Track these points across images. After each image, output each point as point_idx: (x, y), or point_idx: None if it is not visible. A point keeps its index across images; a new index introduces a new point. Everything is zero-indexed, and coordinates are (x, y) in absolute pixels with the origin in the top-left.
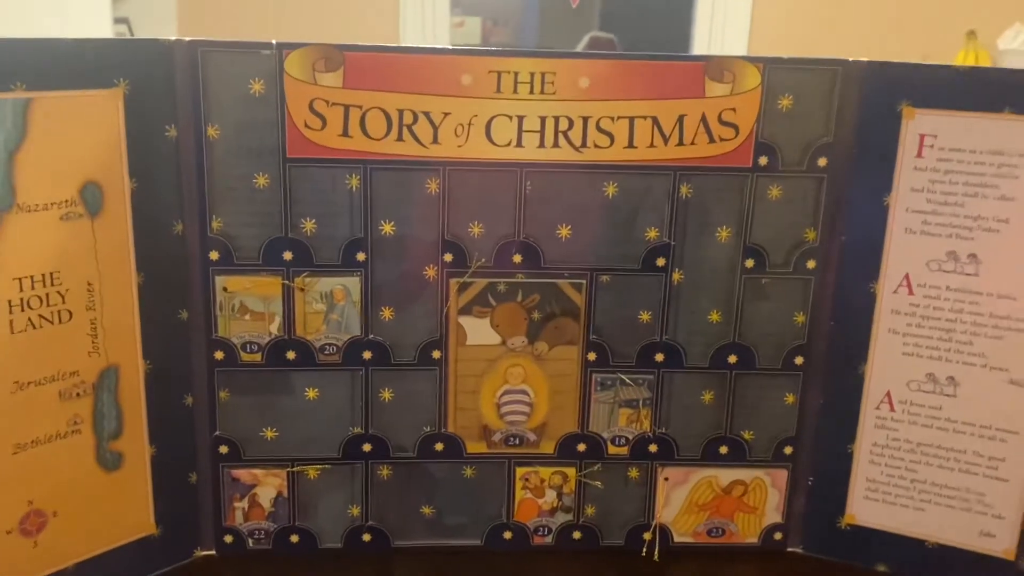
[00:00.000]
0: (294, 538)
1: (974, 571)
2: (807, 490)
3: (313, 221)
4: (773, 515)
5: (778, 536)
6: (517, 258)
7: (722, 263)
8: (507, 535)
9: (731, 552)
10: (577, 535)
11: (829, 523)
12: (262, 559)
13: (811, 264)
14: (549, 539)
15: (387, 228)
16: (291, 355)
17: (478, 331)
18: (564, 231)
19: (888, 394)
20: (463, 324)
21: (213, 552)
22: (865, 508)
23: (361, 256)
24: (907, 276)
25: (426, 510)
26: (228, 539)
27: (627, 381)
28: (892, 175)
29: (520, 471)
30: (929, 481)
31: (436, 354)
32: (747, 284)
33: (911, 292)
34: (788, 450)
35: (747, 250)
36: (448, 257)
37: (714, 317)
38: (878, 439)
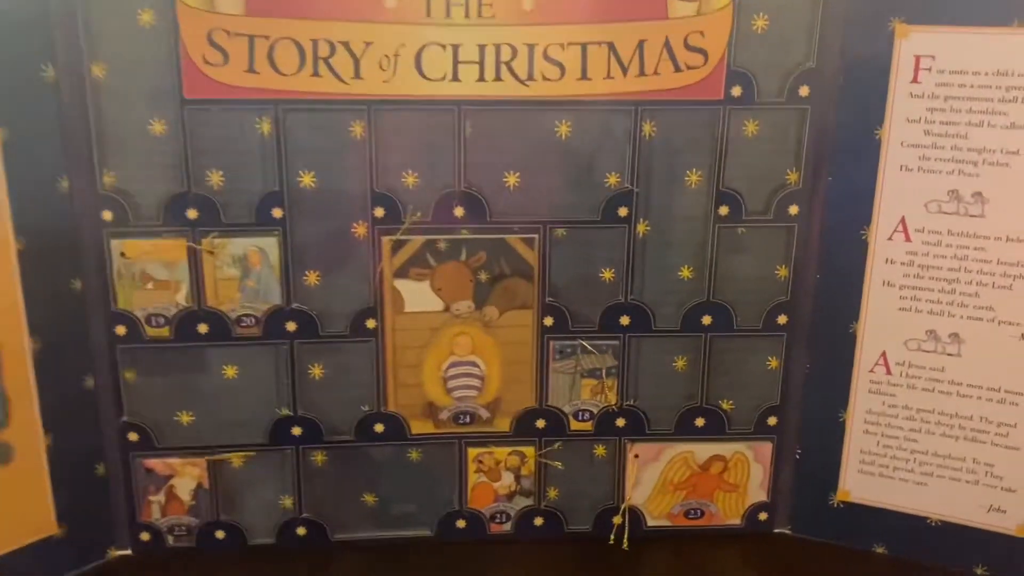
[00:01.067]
0: (220, 534)
1: (984, 551)
2: (794, 464)
3: (220, 173)
4: (757, 493)
5: (763, 516)
6: (459, 211)
7: (693, 211)
8: (460, 524)
9: (711, 535)
10: (539, 521)
11: (820, 501)
12: (184, 558)
13: (793, 210)
14: (508, 527)
15: (306, 180)
16: (203, 328)
17: (417, 296)
18: (512, 179)
19: (883, 355)
20: (400, 288)
21: (129, 551)
22: (860, 483)
23: (278, 213)
24: (903, 220)
25: (368, 499)
26: (144, 537)
27: (589, 348)
28: (884, 104)
29: (472, 452)
30: (931, 452)
31: (371, 323)
32: (721, 235)
33: (908, 238)
34: (772, 420)
35: (721, 196)
36: (379, 212)
37: (685, 273)
38: (873, 406)
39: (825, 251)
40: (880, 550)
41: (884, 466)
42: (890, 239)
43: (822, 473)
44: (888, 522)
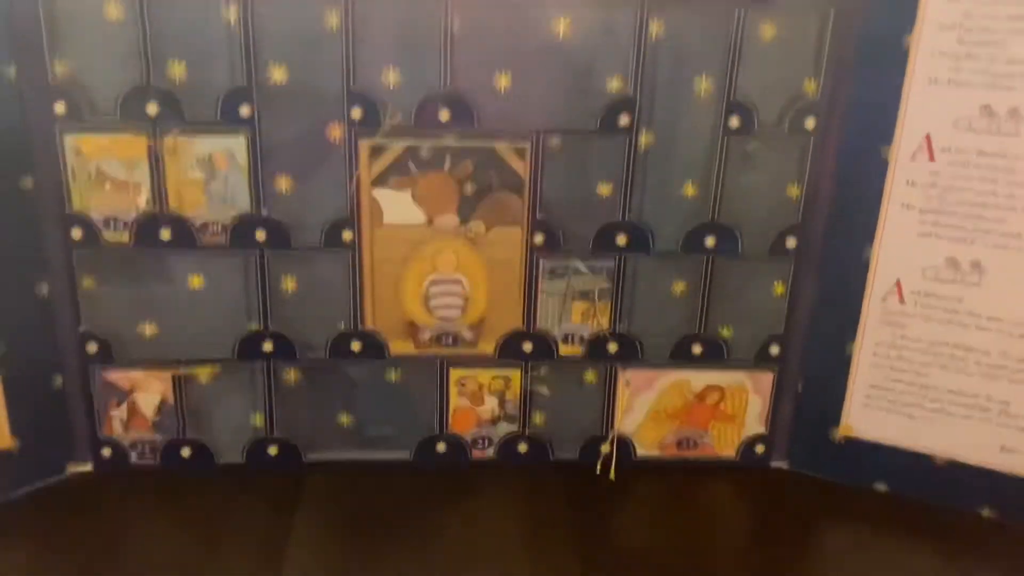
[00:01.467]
0: (186, 452)
1: (992, 492)
2: (796, 397)
3: (183, 64)
4: (754, 425)
5: (760, 449)
6: (444, 115)
7: (701, 122)
8: (440, 447)
9: (704, 467)
10: (523, 448)
11: (820, 435)
12: (148, 476)
13: (810, 123)
14: (490, 452)
15: (277, 75)
16: (166, 234)
17: (398, 207)
18: (503, 81)
19: (898, 283)
20: (378, 199)
21: (89, 468)
22: (864, 418)
23: (246, 110)
24: (928, 138)
25: (343, 419)
26: (106, 452)
27: (582, 269)
28: (915, 7)
29: (455, 374)
30: (942, 387)
31: (347, 235)
32: (730, 149)
33: (932, 158)
34: (774, 350)
35: (732, 106)
36: (356, 113)
37: (689, 190)
38: (883, 337)
39: (841, 170)
40: (881, 488)
41: (891, 401)
42: (912, 159)
43: (825, 407)
44: (892, 460)
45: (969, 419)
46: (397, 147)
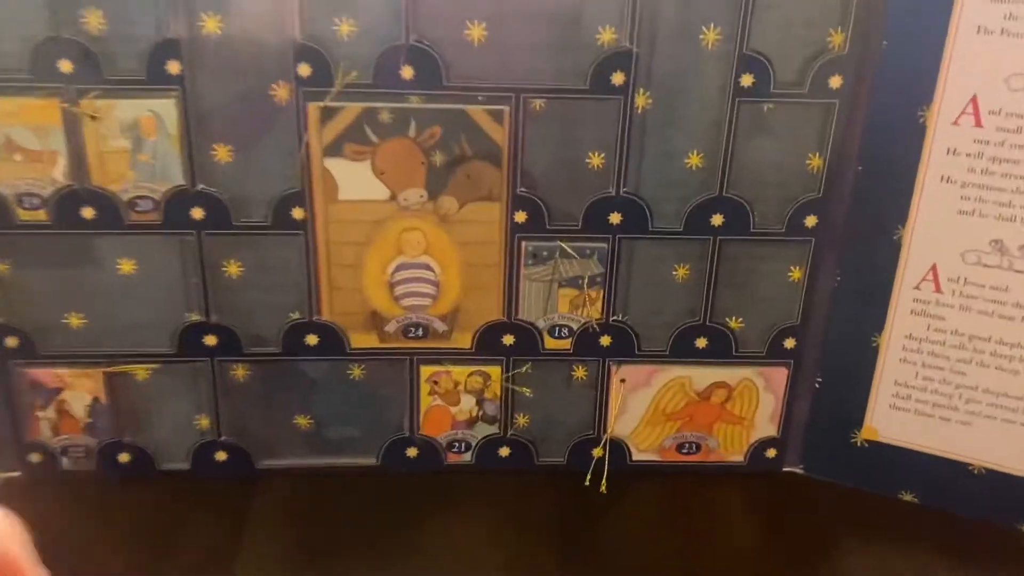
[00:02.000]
0: (124, 457)
1: None
2: (813, 395)
3: (99, 13)
4: (766, 427)
5: (771, 453)
6: (407, 71)
7: (707, 80)
8: (411, 452)
9: (708, 473)
10: (505, 452)
11: (841, 438)
12: (83, 482)
13: (835, 82)
14: (467, 457)
15: (211, 24)
16: (88, 213)
17: (355, 180)
18: (476, 31)
19: (934, 269)
20: (332, 170)
21: (17, 473)
22: (890, 420)
23: (175, 67)
24: (974, 99)
25: (301, 421)
26: (35, 458)
27: (570, 252)
28: None
29: (426, 371)
30: (982, 387)
31: (298, 213)
32: (742, 112)
33: (979, 122)
34: (789, 343)
35: (744, 61)
36: (304, 70)
37: (694, 161)
38: (915, 330)
39: (871, 136)
40: (908, 498)
41: (922, 402)
42: (955, 123)
43: (845, 407)
44: (921, 466)
45: (1012, 424)
46: (352, 110)
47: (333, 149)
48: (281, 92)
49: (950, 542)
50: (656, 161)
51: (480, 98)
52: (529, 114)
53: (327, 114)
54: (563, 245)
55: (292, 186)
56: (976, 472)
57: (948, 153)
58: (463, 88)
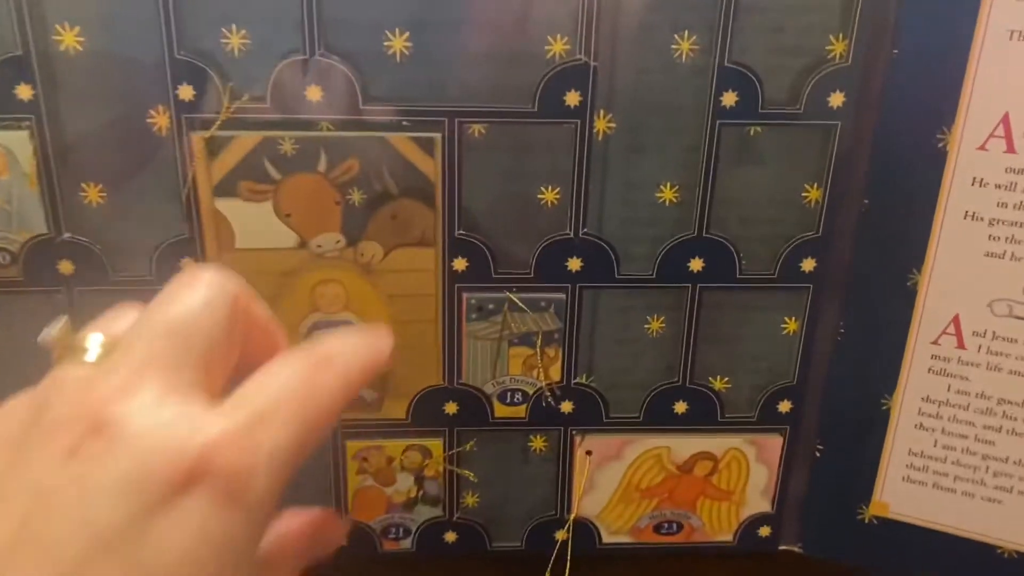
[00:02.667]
0: None
1: None
2: (813, 465)
3: None
4: (758, 502)
5: (765, 532)
6: (313, 92)
7: (681, 100)
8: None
9: (691, 556)
10: (451, 537)
11: (845, 514)
12: None
13: (836, 99)
14: (407, 543)
15: (69, 38)
16: None
17: (255, 225)
18: (398, 42)
19: (956, 320)
20: (225, 213)
21: None
22: (904, 494)
23: (26, 92)
24: (1006, 119)
25: None
26: None
27: (520, 304)
28: None
29: (353, 446)
30: (1013, 459)
31: (188, 264)
32: (724, 136)
33: (1011, 147)
34: (784, 406)
35: (725, 75)
36: (185, 92)
37: (667, 195)
38: (933, 391)
39: (879, 164)
40: None
41: (941, 474)
42: (982, 148)
43: (851, 478)
44: (940, 548)
45: None
46: (246, 140)
47: (225, 188)
48: (160, 120)
49: None
50: (622, 196)
51: (405, 123)
52: (466, 142)
53: (216, 146)
54: (512, 297)
55: (179, 232)
56: (1007, 556)
57: (973, 184)
58: (383, 112)
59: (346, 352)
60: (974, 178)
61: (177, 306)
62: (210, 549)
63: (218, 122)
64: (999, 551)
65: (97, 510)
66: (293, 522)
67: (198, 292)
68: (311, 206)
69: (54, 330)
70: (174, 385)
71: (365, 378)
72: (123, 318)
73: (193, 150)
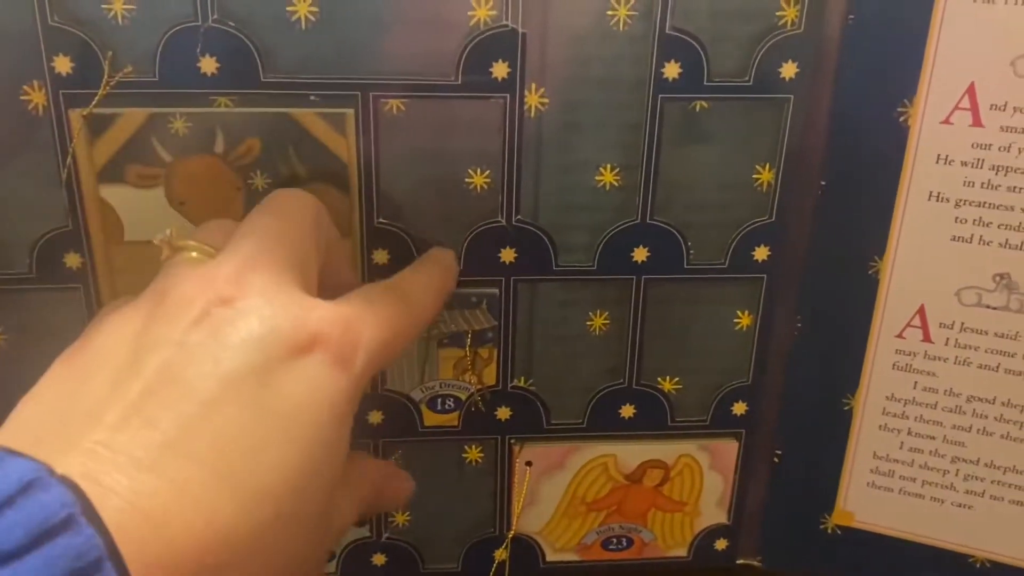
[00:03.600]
0: None
1: None
2: (771, 472)
3: None
4: (714, 513)
5: (721, 544)
6: (208, 64)
7: (619, 71)
8: None
9: (644, 572)
10: (379, 560)
11: (806, 524)
12: None
13: (788, 71)
14: (330, 568)
15: None
16: None
17: (145, 214)
18: (302, 7)
19: (921, 311)
20: (111, 201)
21: None
22: (868, 502)
23: None
24: (972, 89)
25: None
26: None
27: (450, 301)
28: None
29: None
30: (984, 461)
31: (72, 260)
32: (667, 112)
33: (978, 120)
34: (739, 408)
35: (667, 44)
36: (62, 64)
37: (607, 177)
38: (898, 389)
39: (837, 141)
40: None
41: (908, 479)
42: (947, 121)
43: (812, 486)
44: (909, 558)
45: (1023, 506)
46: (133, 118)
47: (111, 173)
48: (36, 96)
49: None
50: (557, 179)
51: (313, 98)
52: (383, 119)
53: (98, 124)
54: None
55: (60, 225)
56: (979, 566)
57: (938, 162)
58: (288, 85)
59: (426, 283)
60: (938, 155)
61: (272, 217)
62: (321, 403)
63: (98, 97)
64: (971, 560)
65: (229, 360)
66: (370, 462)
67: (289, 206)
68: (208, 192)
69: (163, 234)
70: (279, 279)
71: (441, 301)
72: (220, 230)
73: (72, 130)
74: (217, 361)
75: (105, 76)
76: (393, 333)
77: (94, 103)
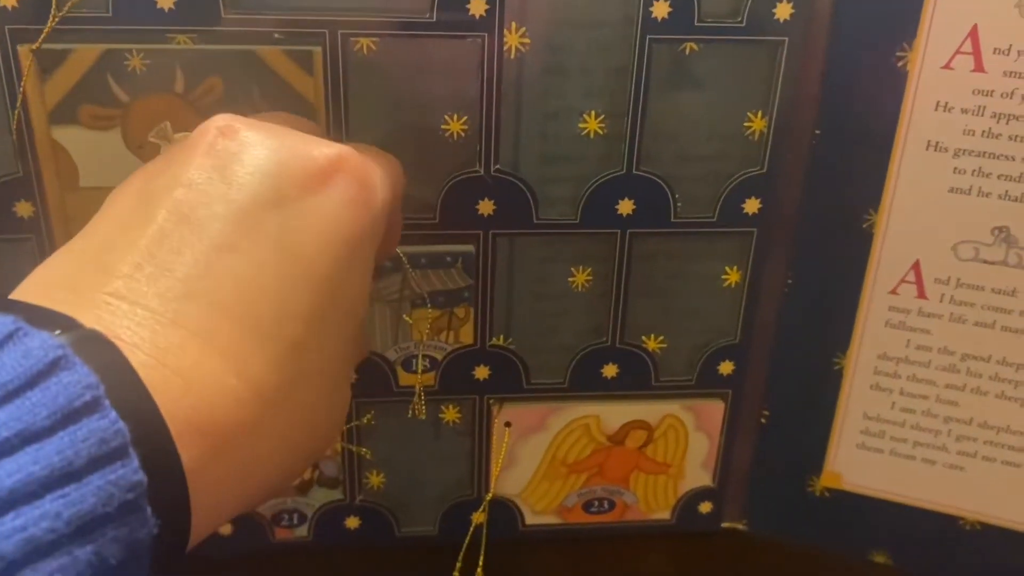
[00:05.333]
0: None
1: None
2: (758, 433)
3: None
4: (698, 475)
5: (706, 508)
6: None
7: (605, 10)
8: (225, 530)
9: (625, 535)
10: (353, 523)
11: (793, 487)
12: None
13: (783, 11)
14: (302, 531)
15: None
16: None
17: (101, 158)
18: None
19: (916, 267)
20: (65, 144)
21: None
22: (858, 463)
23: None
24: (974, 32)
25: None
26: None
27: (424, 258)
28: None
29: None
30: (978, 421)
31: (24, 208)
32: (655, 55)
33: (980, 65)
34: (726, 367)
35: None
36: None
37: (591, 125)
38: (891, 347)
39: (832, 87)
40: (881, 559)
41: (899, 440)
42: (948, 67)
43: (800, 447)
44: (896, 520)
45: (1016, 467)
46: (86, 55)
47: (64, 113)
48: None
49: None
50: (539, 126)
51: (277, 36)
52: (352, 59)
53: (49, 61)
54: (415, 248)
55: (10, 171)
56: (968, 528)
57: (937, 109)
58: (251, 22)
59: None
60: (938, 102)
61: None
62: (342, 240)
63: (46, 30)
64: (960, 522)
65: (240, 192)
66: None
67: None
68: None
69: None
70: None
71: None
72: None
73: (22, 67)
74: (228, 200)
75: (53, 8)
76: (394, 180)
77: (43, 36)
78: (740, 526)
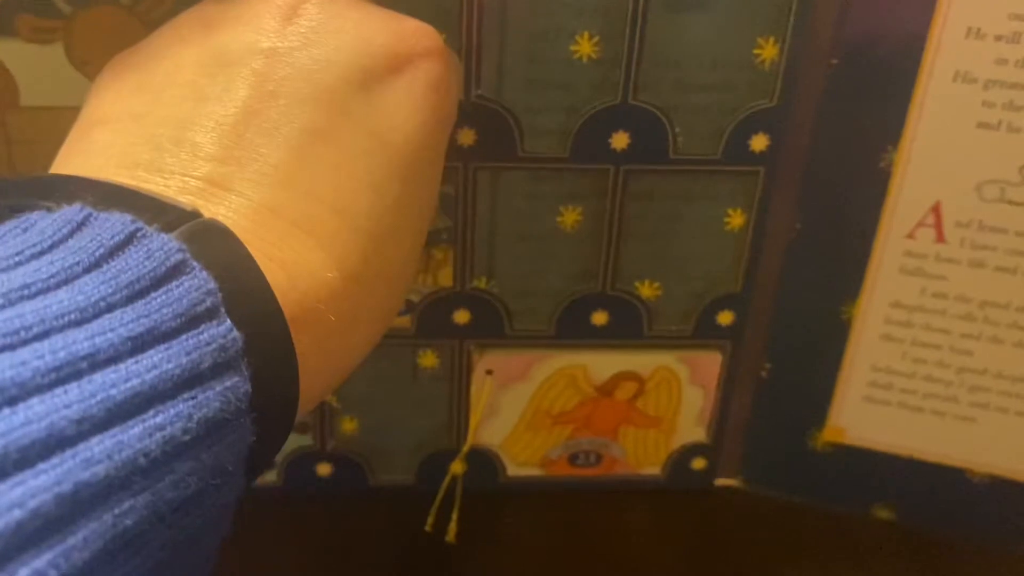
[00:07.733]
0: None
1: None
2: (757, 387)
3: None
4: (691, 430)
5: (699, 464)
6: None
7: None
8: None
9: (612, 491)
10: (324, 469)
11: (793, 441)
12: None
13: None
14: (272, 477)
15: None
16: None
17: (44, 75)
18: None
19: (936, 209)
20: (4, 59)
21: None
22: (863, 417)
23: None
24: None
25: None
26: None
27: None
28: None
29: None
30: (993, 371)
31: None
32: None
33: None
34: (725, 317)
35: None
36: None
37: (584, 48)
38: (905, 295)
39: (853, 13)
40: (883, 514)
41: (908, 391)
42: None
43: (801, 401)
44: (900, 474)
45: None
46: None
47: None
48: None
49: (936, 569)
50: (526, 49)
51: None
52: None
53: None
54: None
55: None
56: (975, 481)
57: (968, 36)
58: None
59: None
60: (969, 28)
61: None
62: (427, 128)
63: None
64: (967, 474)
65: (327, 72)
66: None
67: None
68: (115, 51)
69: None
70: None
71: None
72: None
73: None
74: (314, 81)
75: None
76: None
77: None
78: (735, 483)
